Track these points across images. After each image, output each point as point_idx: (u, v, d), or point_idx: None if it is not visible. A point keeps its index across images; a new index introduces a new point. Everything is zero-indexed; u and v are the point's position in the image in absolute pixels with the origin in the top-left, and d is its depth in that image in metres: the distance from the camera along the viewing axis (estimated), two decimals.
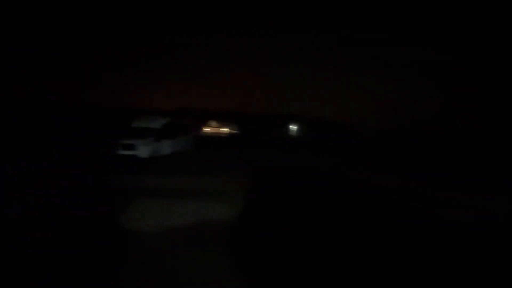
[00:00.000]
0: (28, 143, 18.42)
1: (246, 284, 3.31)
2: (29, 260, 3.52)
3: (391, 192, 8.45)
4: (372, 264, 3.86)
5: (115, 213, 5.37)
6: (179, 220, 5.19)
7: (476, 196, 8.65)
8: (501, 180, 12.70)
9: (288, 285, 3.34)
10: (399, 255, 4.19)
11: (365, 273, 3.64)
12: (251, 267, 3.67)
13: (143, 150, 12.60)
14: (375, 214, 6.04)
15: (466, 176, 13.22)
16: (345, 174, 11.38)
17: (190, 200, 6.56)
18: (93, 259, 3.64)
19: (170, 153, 14.58)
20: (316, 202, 6.86)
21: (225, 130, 37.65)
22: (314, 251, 4.19)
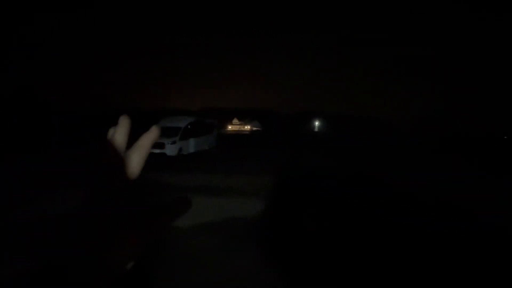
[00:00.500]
0: (73, 141, 19.66)
1: (277, 281, 3.23)
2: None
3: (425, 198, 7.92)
4: (402, 269, 3.60)
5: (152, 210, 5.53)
6: (209, 217, 5.23)
7: None
8: None
9: (314, 285, 3.21)
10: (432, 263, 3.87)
11: (392, 277, 3.40)
12: (281, 265, 3.58)
13: (170, 149, 13.01)
14: (406, 223, 5.67)
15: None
16: (367, 175, 10.88)
17: (217, 197, 6.61)
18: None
19: (195, 151, 14.90)
20: (343, 201, 6.61)
21: (248, 128, 37.94)
22: (342, 251, 4.00)
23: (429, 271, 3.53)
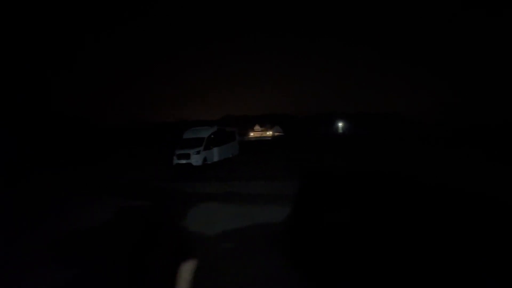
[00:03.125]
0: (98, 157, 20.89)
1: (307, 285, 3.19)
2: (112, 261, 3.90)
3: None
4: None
5: (184, 217, 5.72)
6: (234, 224, 5.30)
7: None
8: None
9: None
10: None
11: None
12: (311, 270, 3.53)
13: (195, 159, 13.47)
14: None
15: None
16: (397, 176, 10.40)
17: (243, 203, 6.68)
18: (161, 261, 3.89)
19: (219, 159, 15.20)
20: (372, 205, 6.38)
21: (269, 133, 38.12)
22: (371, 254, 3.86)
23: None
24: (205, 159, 13.84)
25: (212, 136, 14.86)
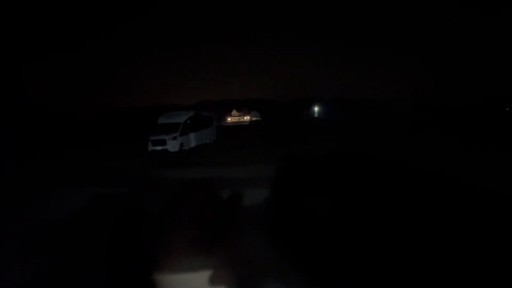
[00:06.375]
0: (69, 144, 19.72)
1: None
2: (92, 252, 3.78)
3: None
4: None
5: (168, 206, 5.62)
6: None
7: None
8: None
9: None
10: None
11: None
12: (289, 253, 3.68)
13: (172, 145, 13.11)
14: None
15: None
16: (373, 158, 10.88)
17: (221, 189, 6.69)
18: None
19: (196, 145, 14.97)
20: (350, 188, 6.66)
21: (247, 118, 38.03)
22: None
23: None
24: (181, 145, 13.54)
25: (189, 121, 14.51)
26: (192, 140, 14.62)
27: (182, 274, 0.23)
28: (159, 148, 13.06)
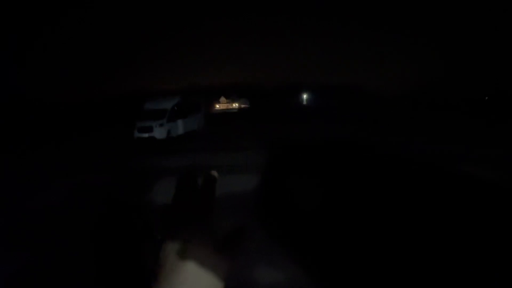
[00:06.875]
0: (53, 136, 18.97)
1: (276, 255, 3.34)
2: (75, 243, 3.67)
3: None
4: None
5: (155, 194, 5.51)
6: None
7: None
8: None
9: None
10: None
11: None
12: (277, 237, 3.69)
13: (159, 132, 12.71)
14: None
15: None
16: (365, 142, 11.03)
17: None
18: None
19: (184, 132, 14.60)
20: (338, 172, 6.73)
21: (236, 105, 37.77)
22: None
23: None
24: (169, 132, 13.20)
25: (176, 107, 14.09)
26: (180, 127, 14.24)
27: (174, 264, 0.22)
28: (146, 135, 12.68)
